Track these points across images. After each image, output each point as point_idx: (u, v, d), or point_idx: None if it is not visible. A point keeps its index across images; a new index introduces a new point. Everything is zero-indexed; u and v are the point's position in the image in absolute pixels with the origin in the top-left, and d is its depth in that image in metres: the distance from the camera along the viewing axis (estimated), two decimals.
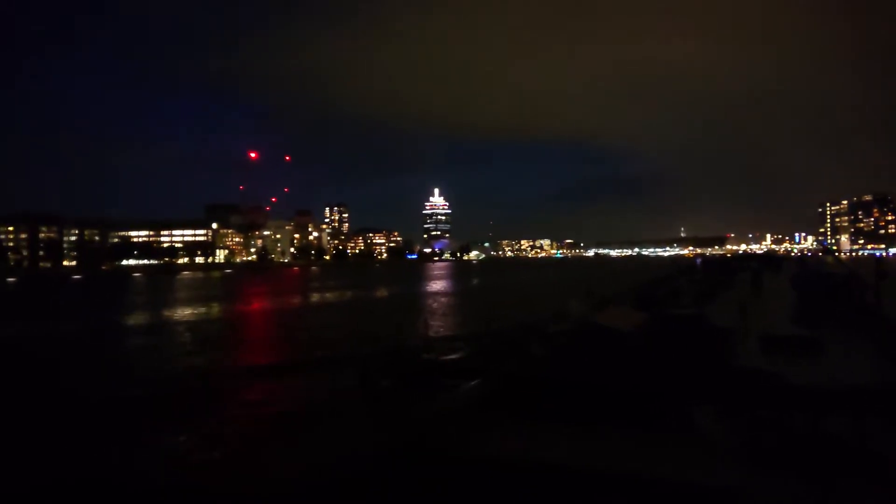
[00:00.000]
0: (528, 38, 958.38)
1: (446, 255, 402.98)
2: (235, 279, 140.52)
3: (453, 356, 14.31)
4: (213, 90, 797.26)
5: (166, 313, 53.70)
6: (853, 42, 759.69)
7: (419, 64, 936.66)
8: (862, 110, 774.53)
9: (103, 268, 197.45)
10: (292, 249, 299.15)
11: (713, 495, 6.54)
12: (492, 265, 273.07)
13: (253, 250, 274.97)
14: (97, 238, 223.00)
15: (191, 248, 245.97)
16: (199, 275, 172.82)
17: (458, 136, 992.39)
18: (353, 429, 9.54)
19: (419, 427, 9.27)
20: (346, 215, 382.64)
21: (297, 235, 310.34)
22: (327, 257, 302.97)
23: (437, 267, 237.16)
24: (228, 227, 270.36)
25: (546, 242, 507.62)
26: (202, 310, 57.07)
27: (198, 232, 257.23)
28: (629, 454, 7.79)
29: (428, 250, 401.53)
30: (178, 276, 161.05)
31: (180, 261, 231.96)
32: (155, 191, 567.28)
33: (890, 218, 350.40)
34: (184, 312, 54.10)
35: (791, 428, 8.00)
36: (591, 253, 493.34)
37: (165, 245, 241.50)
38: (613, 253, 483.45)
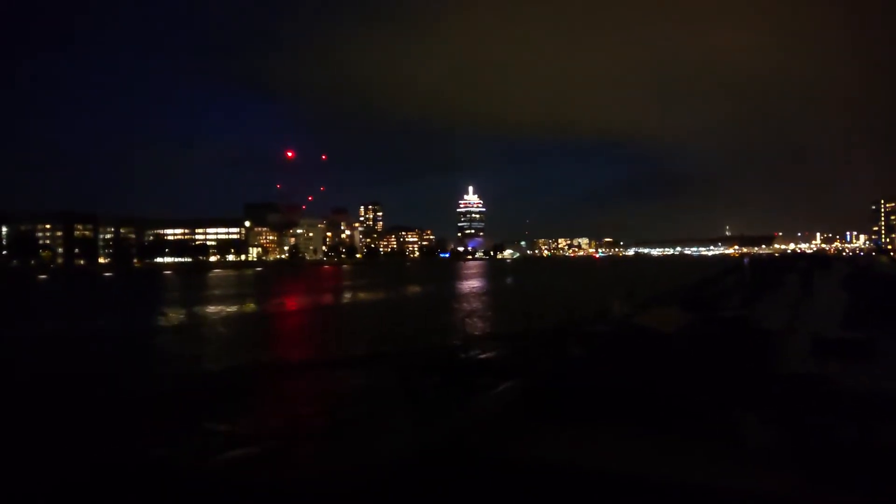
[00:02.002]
0: (568, 36, 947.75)
1: (479, 254, 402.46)
2: (266, 277, 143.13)
3: (491, 356, 14.47)
4: (255, 90, 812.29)
5: (197, 310, 55.14)
6: None
7: (457, 62, 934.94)
8: None
9: (136, 265, 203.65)
10: (324, 248, 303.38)
11: (751, 502, 6.51)
12: (526, 264, 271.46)
13: (286, 248, 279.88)
14: (132, 236, 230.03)
15: (224, 246, 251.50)
16: (230, 272, 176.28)
17: (497, 134, 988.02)
18: (392, 429, 9.77)
19: (458, 428, 9.43)
20: (380, 214, 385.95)
21: (329, 234, 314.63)
22: (359, 255, 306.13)
23: (469, 266, 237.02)
24: (265, 226, 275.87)
25: (584, 241, 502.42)
26: (234, 307, 58.43)
27: (231, 230, 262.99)
28: (667, 460, 7.81)
29: (461, 249, 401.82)
30: (210, 274, 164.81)
31: (212, 258, 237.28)
32: (198, 191, 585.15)
33: None
34: (215, 310, 55.51)
35: (840, 438, 7.89)
36: (631, 252, 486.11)
37: (199, 243, 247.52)
38: (655, 252, 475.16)
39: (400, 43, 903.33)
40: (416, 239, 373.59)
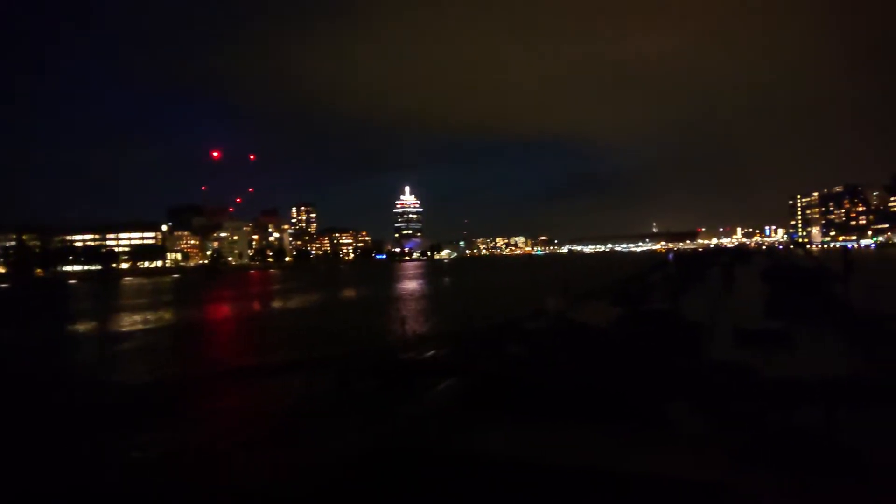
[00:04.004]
0: (505, 37, 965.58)
1: (416, 255, 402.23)
2: (185, 284, 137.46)
3: (430, 355, 14.69)
4: (183, 89, 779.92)
5: (102, 321, 52.40)
6: (823, 37, 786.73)
7: (394, 61, 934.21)
8: (832, 103, 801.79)
9: (38, 274, 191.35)
10: (250, 251, 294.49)
11: (690, 490, 6.88)
12: (463, 264, 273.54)
13: (209, 253, 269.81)
14: (37, 244, 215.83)
15: (139, 252, 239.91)
16: (144, 280, 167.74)
17: (433, 135, 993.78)
18: (333, 431, 9.83)
19: (399, 427, 9.60)
20: (313, 215, 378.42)
21: (255, 237, 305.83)
22: (288, 259, 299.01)
23: (406, 267, 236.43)
24: (187, 230, 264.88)
25: (521, 240, 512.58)
26: (144, 317, 55.85)
27: (147, 235, 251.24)
28: (606, 450, 8.20)
29: (398, 250, 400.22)
30: (121, 282, 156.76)
31: (124, 265, 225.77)
32: (122, 196, 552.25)
33: (861, 209, 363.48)
34: (125, 320, 52.96)
35: (765, 421, 8.49)
36: (565, 250, 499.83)
37: (115, 249, 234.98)
38: (587, 249, 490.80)
39: (334, 41, 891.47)
40: (350, 241, 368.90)
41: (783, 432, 8.02)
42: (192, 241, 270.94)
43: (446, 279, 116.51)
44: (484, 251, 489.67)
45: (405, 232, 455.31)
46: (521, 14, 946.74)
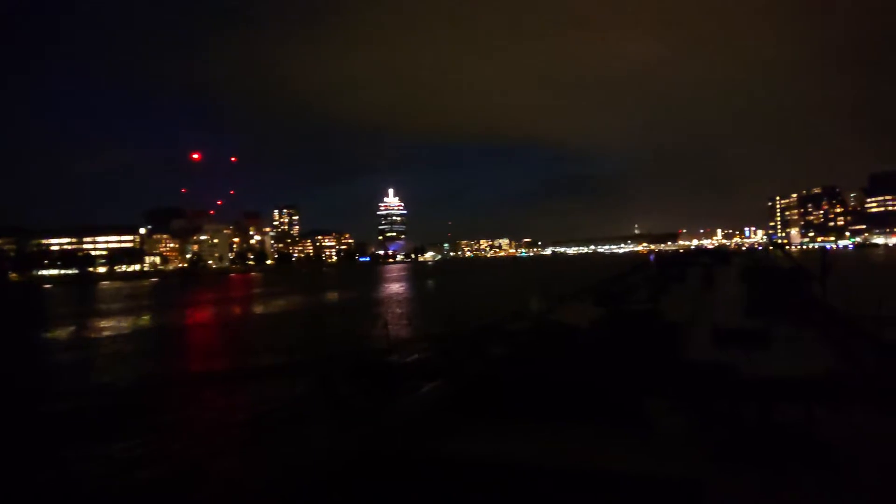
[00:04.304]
0: (487, 42, 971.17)
1: (400, 257, 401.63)
2: (164, 288, 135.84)
3: (413, 358, 14.73)
4: (168, 91, 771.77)
5: (80, 326, 51.69)
6: (801, 43, 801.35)
7: (378, 66, 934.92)
8: (810, 107, 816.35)
9: (12, 278, 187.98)
10: (231, 255, 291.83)
11: (672, 488, 7.00)
12: (447, 266, 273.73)
13: (188, 256, 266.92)
14: (12, 247, 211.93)
15: (117, 256, 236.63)
16: (122, 284, 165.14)
17: (418, 138, 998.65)
18: (315, 436, 9.82)
19: (382, 430, 9.62)
20: (295, 218, 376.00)
21: (236, 239, 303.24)
22: (269, 262, 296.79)
23: (390, 269, 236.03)
24: (167, 233, 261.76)
25: (505, 242, 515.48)
26: (120, 322, 55.17)
27: (125, 238, 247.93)
28: (589, 450, 8.31)
29: (381, 252, 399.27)
30: (98, 287, 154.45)
31: (101, 269, 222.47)
32: (102, 199, 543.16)
33: (839, 210, 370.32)
34: (104, 324, 52.29)
35: (743, 419, 8.66)
36: (548, 251, 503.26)
37: (92, 253, 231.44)
38: (570, 251, 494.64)
39: (319, 45, 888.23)
40: (333, 243, 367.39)
41: (761, 430, 8.18)
42: (172, 245, 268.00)
43: (430, 281, 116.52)
44: (468, 253, 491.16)
45: (389, 234, 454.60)
46: (506, 18, 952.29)
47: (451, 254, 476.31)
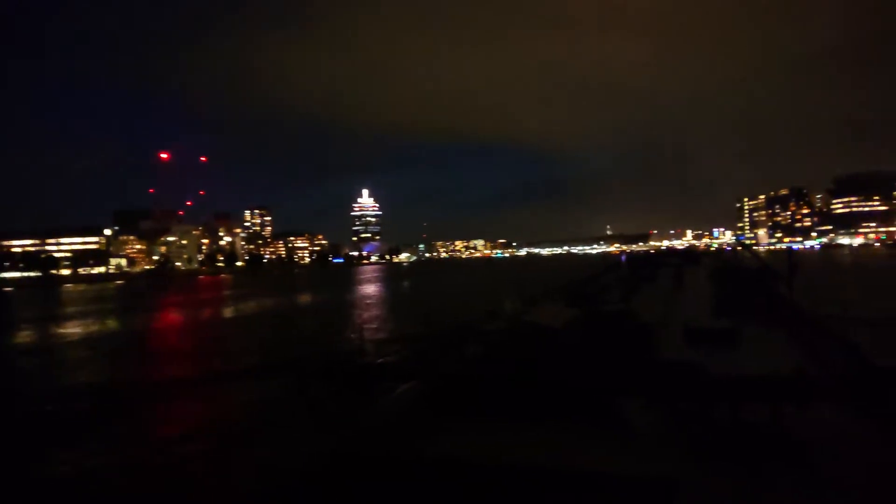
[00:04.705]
0: (461, 44, 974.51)
1: (375, 258, 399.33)
2: (129, 290, 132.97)
3: (388, 359, 14.75)
4: (134, 90, 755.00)
5: (44, 330, 50.43)
6: (768, 48, 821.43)
7: (353, 66, 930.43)
8: (780, 110, 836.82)
9: None
10: (200, 256, 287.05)
11: (648, 487, 7.15)
12: (423, 267, 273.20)
13: (156, 258, 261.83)
14: None
15: (81, 258, 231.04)
16: (86, 287, 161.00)
17: (394, 139, 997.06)
18: (294, 438, 9.81)
19: (359, 431, 9.65)
20: (268, 219, 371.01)
21: (205, 241, 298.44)
22: (240, 264, 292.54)
23: (365, 270, 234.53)
24: (134, 234, 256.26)
25: (480, 243, 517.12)
26: (84, 326, 53.94)
27: (90, 239, 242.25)
28: (565, 449, 8.42)
29: (356, 254, 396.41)
30: (61, 289, 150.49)
31: (65, 271, 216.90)
32: (70, 200, 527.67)
33: (805, 211, 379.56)
34: (70, 329, 51.06)
35: (713, 417, 8.87)
36: (523, 252, 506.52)
37: (56, 255, 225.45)
38: (545, 252, 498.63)
39: (294, 44, 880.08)
40: (306, 244, 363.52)
41: (731, 427, 8.41)
42: (139, 246, 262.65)
43: (405, 283, 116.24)
44: (444, 254, 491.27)
45: (363, 235, 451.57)
46: (480, 21, 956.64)
47: (427, 255, 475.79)
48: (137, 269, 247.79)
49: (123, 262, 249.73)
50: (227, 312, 65.68)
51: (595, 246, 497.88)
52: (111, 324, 56.09)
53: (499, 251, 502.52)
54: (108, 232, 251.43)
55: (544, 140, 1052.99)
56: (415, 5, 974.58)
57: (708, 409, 9.12)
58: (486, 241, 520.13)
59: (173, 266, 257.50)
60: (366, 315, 51.22)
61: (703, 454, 7.90)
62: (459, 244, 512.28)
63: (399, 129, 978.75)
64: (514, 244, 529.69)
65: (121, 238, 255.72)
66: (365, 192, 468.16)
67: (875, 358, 11.42)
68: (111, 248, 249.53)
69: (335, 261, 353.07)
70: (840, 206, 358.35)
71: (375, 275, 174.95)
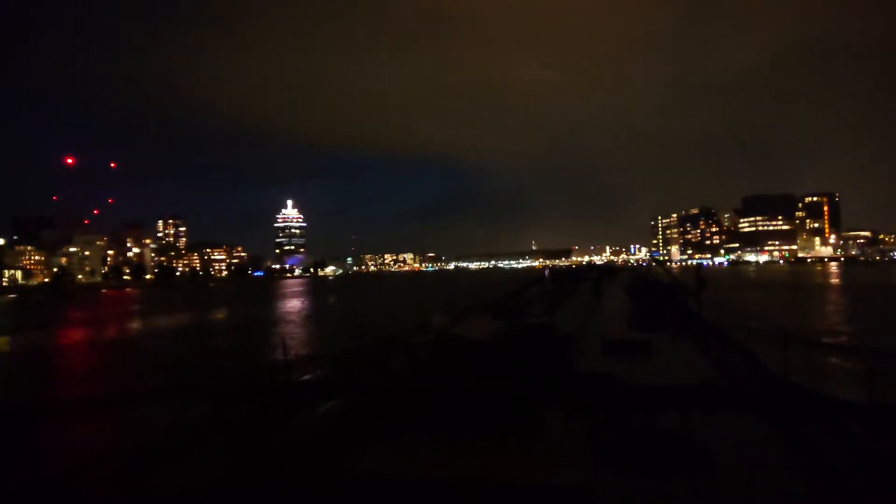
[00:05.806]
0: (389, 56, 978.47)
1: (299, 272, 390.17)
2: (22, 306, 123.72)
3: (312, 376, 14.53)
4: (38, 92, 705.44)
5: None
6: (683, 74, 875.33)
7: (281, 76, 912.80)
8: (690, 133, 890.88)
9: None
10: (105, 268, 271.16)
11: (562, 494, 7.33)
12: (349, 280, 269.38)
13: (55, 270, 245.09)
14: None
15: None
16: None
17: (320, 151, 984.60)
18: (207, 461, 9.49)
19: (279, 451, 9.46)
20: (182, 229, 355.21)
21: (111, 252, 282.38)
22: (149, 276, 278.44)
23: (287, 284, 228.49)
24: (34, 244, 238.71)
25: (409, 256, 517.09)
26: None
27: None
28: (485, 461, 8.62)
29: (278, 266, 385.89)
30: None
31: None
32: None
33: (714, 230, 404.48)
34: None
35: (628, 426, 9.32)
36: (451, 266, 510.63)
37: None
38: (472, 266, 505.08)
39: (212, 50, 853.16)
40: (223, 256, 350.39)
41: (643, 435, 8.88)
42: (37, 257, 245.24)
43: (331, 298, 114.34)
44: (372, 267, 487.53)
45: (287, 248, 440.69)
46: (404, 33, 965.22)
47: (355, 268, 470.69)
48: (35, 281, 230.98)
49: (19, 274, 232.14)
50: (134, 328, 62.42)
51: (521, 260, 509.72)
52: (2, 341, 52.01)
53: (428, 265, 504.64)
54: (0, 241, 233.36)
55: (470, 156, 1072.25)
56: (346, 17, 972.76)
57: (623, 418, 9.59)
58: (415, 255, 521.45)
59: (73, 279, 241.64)
60: (287, 331, 50.06)
61: (614, 462, 8.28)
62: (388, 257, 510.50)
63: (326, 140, 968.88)
64: (444, 258, 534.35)
65: (17, 248, 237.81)
66: (289, 202, 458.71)
67: (773, 367, 12.40)
68: (6, 259, 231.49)
69: (255, 274, 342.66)
70: (747, 224, 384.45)
71: (299, 289, 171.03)
